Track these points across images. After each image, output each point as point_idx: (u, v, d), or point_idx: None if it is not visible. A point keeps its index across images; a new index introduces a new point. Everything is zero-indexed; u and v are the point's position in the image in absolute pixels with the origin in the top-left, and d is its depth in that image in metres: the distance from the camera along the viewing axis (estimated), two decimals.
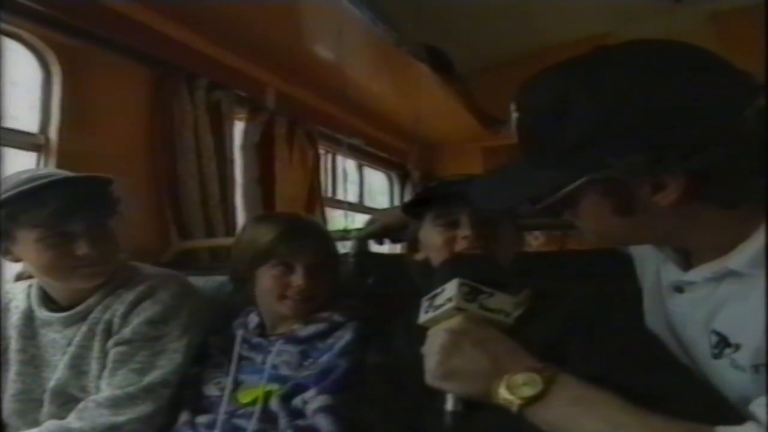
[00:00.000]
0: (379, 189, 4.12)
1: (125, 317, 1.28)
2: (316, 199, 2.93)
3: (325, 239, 1.35)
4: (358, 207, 3.60)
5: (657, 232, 0.79)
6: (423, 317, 0.86)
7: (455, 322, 0.81)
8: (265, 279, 1.28)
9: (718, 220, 0.73)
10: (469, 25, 2.73)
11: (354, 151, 3.51)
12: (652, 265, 0.93)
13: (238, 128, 2.45)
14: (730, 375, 0.77)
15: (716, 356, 0.78)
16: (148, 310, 1.29)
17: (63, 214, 1.21)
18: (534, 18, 2.78)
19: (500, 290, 0.84)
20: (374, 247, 1.68)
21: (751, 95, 0.69)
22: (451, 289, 0.83)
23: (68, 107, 1.78)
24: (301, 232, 1.30)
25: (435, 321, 0.83)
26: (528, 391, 0.73)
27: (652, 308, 0.92)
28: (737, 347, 0.75)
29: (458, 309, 0.81)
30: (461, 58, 2.97)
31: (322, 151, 3.11)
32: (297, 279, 1.25)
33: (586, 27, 2.77)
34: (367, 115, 3.31)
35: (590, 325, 0.93)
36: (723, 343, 0.77)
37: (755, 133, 0.67)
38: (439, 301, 0.84)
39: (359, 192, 3.73)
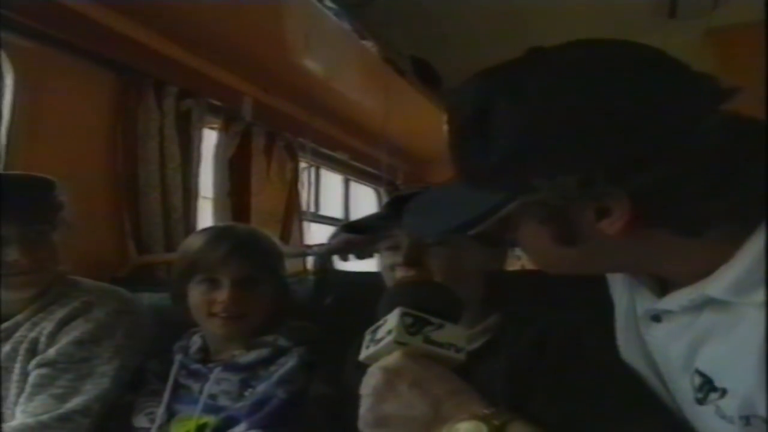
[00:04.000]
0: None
1: (53, 336, 1.16)
2: (294, 213, 2.82)
3: (256, 250, 1.20)
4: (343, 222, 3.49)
5: (612, 262, 0.68)
6: (363, 353, 0.74)
7: (392, 358, 0.68)
8: (194, 295, 1.16)
9: (685, 247, 0.61)
10: (458, 38, 2.67)
11: (340, 166, 3.42)
12: (624, 288, 0.80)
13: (211, 138, 2.35)
14: (716, 424, 0.64)
15: (701, 401, 0.65)
16: (78, 329, 1.17)
17: None
18: (525, 33, 2.71)
19: (453, 321, 0.72)
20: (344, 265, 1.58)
21: (709, 105, 0.57)
22: (392, 320, 0.70)
23: (20, 111, 1.68)
24: (226, 243, 1.16)
25: (375, 357, 0.71)
26: None
27: (627, 338, 0.79)
28: (723, 393, 0.63)
29: (399, 343, 0.68)
30: (450, 71, 2.90)
31: (305, 165, 3.02)
32: (221, 294, 1.13)
33: None
34: (354, 129, 3.23)
35: (560, 357, 0.83)
36: (708, 386, 0.65)
37: (713, 149, 0.56)
38: (380, 334, 0.72)
39: (344, 207, 3.64)
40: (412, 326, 0.69)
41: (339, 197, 3.67)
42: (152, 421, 1.11)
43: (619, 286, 0.81)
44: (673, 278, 0.68)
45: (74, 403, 1.11)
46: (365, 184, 3.79)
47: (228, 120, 2.39)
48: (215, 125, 2.37)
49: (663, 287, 0.70)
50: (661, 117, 0.56)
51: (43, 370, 1.13)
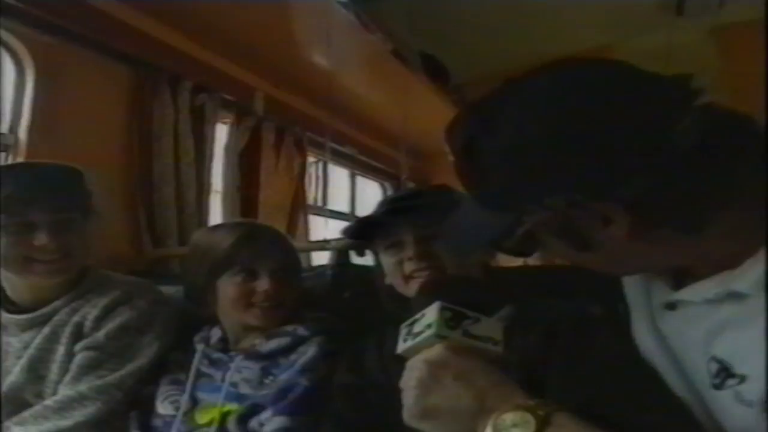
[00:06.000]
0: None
1: (99, 321, 1.23)
2: (300, 207, 2.85)
3: (285, 243, 1.28)
4: (349, 217, 3.51)
5: (633, 262, 0.72)
6: (401, 346, 0.75)
7: (435, 351, 0.70)
8: (228, 288, 1.19)
9: (694, 242, 0.65)
10: (466, 34, 2.69)
11: (346, 160, 3.45)
12: (639, 282, 0.84)
13: (222, 132, 2.38)
14: (733, 408, 0.68)
15: (717, 387, 0.69)
16: (123, 315, 1.24)
17: (22, 200, 1.15)
18: (533, 29, 2.73)
19: (489, 315, 0.75)
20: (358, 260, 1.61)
21: (681, 107, 0.61)
22: (431, 314, 0.72)
23: (41, 107, 1.71)
24: (261, 236, 1.23)
25: (414, 350, 0.73)
26: None
27: (643, 329, 0.82)
28: (742, 379, 0.67)
29: (439, 337, 0.70)
30: (458, 67, 2.92)
31: (312, 160, 3.04)
32: (263, 284, 1.17)
33: (586, 39, 2.72)
34: (361, 124, 3.25)
35: (569, 348, 0.85)
36: (725, 372, 0.68)
37: (692, 148, 0.59)
38: (418, 328, 0.74)
39: (351, 201, 3.66)
40: (451, 320, 0.71)
41: (345, 191, 3.70)
42: (177, 408, 1.14)
43: (633, 280, 0.85)
44: (694, 271, 0.71)
45: (111, 377, 1.18)
46: (371, 179, 3.82)
47: (240, 115, 2.42)
48: (227, 120, 2.39)
49: (677, 278, 0.74)
50: (634, 128, 0.60)
51: (91, 353, 1.20)
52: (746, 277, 0.63)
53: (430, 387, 0.68)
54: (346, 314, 1.30)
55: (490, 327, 0.73)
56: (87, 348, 1.20)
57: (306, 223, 2.95)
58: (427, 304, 0.75)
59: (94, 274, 1.32)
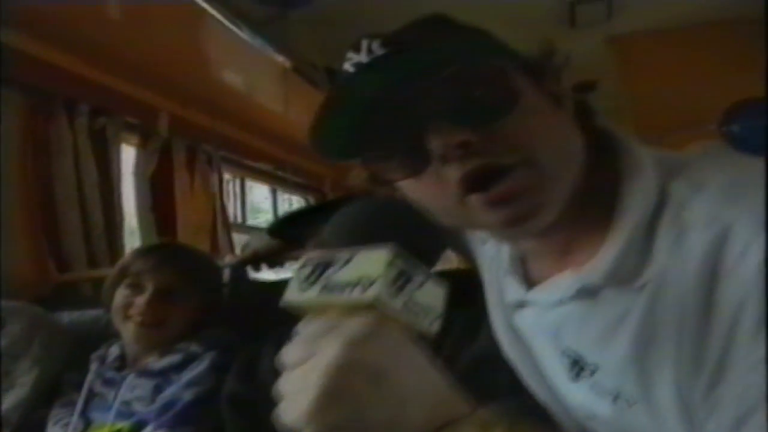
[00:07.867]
0: None
1: None
2: (220, 225, 2.86)
3: (185, 263, 1.27)
4: None
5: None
6: (301, 294, 0.49)
7: (360, 329, 0.45)
8: (117, 298, 1.22)
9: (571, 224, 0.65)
10: None
11: (266, 177, 3.46)
12: (493, 282, 0.84)
13: (130, 154, 2.36)
14: (590, 400, 0.67)
15: (574, 379, 0.68)
16: None
17: None
18: None
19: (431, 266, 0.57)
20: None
21: None
22: (375, 263, 0.47)
23: None
24: (159, 254, 1.25)
25: (319, 308, 0.48)
26: None
27: (498, 328, 0.83)
28: (594, 369, 0.65)
29: (375, 306, 0.45)
30: None
31: (228, 177, 3.05)
32: (141, 299, 1.19)
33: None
34: (277, 139, 3.28)
35: (457, 346, 0.90)
36: (578, 364, 0.67)
37: None
38: (342, 275, 0.48)
39: (274, 216, 3.68)
40: (397, 280, 0.47)
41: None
42: (66, 430, 1.14)
43: (488, 279, 0.86)
44: (540, 258, 0.71)
45: None
46: (294, 194, 3.84)
47: (145, 136, 2.41)
48: (133, 142, 2.38)
49: (527, 277, 0.74)
50: None
51: None
52: (597, 269, 0.62)
53: (351, 386, 0.43)
54: (243, 330, 1.33)
55: (433, 293, 0.50)
56: None
57: (230, 240, 2.95)
58: (367, 238, 0.52)
59: None
